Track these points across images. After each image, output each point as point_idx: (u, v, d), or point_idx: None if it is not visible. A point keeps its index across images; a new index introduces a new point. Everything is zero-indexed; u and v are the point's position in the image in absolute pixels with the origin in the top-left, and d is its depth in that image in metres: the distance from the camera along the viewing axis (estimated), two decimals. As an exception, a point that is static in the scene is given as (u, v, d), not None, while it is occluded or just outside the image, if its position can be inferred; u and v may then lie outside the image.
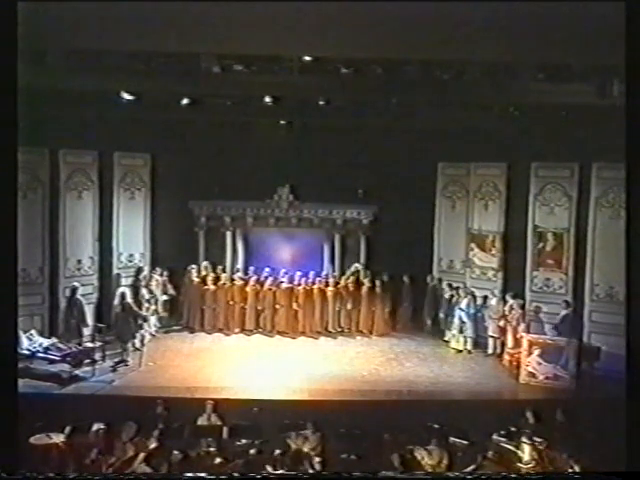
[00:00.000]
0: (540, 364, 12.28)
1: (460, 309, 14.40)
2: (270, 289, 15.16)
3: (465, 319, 14.29)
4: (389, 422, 10.40)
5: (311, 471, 9.34)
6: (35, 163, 13.37)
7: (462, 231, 15.34)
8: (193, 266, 15.38)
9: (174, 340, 14.72)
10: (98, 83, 10.69)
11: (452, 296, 14.84)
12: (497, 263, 14.78)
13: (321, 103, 12.16)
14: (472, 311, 14.33)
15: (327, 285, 15.31)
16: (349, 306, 15.24)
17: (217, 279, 15.39)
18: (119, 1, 7.15)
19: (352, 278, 15.50)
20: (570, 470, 8.98)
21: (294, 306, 15.13)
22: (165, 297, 15.23)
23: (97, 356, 12.44)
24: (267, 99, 11.69)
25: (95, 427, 10.00)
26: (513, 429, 10.36)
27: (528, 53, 8.60)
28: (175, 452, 9.51)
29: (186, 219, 15.86)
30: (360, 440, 10.02)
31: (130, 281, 14.96)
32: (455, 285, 15.07)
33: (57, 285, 14.00)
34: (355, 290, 15.31)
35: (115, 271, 15.03)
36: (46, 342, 12.46)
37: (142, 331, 13.64)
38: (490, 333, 14.08)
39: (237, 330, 15.20)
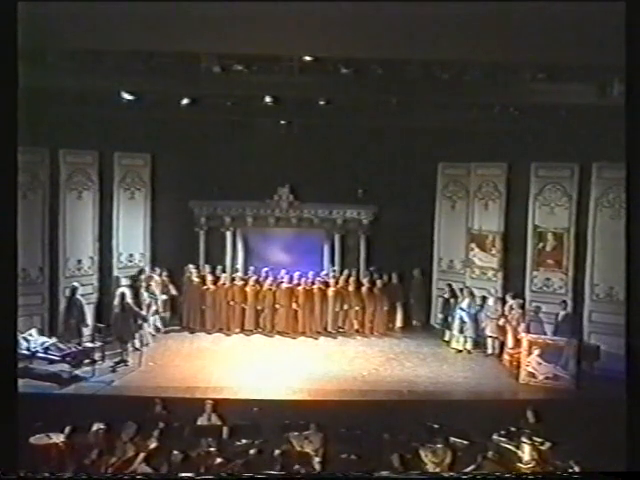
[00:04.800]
0: (540, 364, 12.28)
1: (461, 309, 14.40)
2: (270, 289, 15.16)
3: (466, 319, 14.29)
4: (389, 422, 10.42)
5: (311, 471, 9.35)
6: (35, 163, 13.37)
7: (462, 231, 15.35)
8: (191, 266, 15.41)
9: (174, 340, 14.73)
10: (98, 83, 10.70)
11: (452, 296, 14.84)
12: (497, 263, 14.79)
13: (321, 103, 12.18)
14: (473, 311, 14.34)
15: (327, 285, 15.31)
16: (348, 306, 15.24)
17: (217, 279, 15.41)
18: (119, 1, 7.15)
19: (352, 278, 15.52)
20: (570, 470, 8.99)
21: (294, 306, 15.13)
22: (165, 297, 15.25)
23: (97, 356, 12.44)
24: (267, 99, 11.70)
25: (95, 427, 10.01)
26: (513, 429, 10.37)
27: (528, 53, 8.58)
28: (175, 452, 9.52)
29: (186, 219, 15.86)
30: (360, 440, 10.03)
31: (130, 281, 14.94)
32: (455, 285, 15.08)
33: (57, 285, 14.01)
34: (355, 290, 15.31)
35: (115, 271, 15.03)
36: (46, 342, 12.45)
37: (142, 331, 13.66)
38: (489, 333, 14.07)
39: (237, 330, 15.21)
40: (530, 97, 11.34)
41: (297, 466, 9.37)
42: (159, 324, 15.02)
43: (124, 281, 14.82)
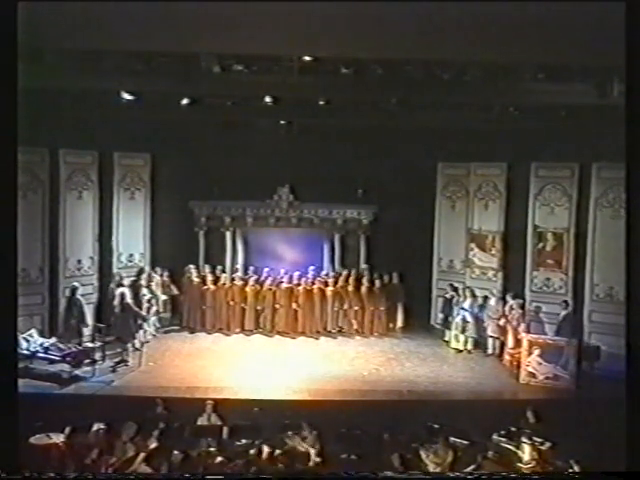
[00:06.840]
0: (540, 364, 12.28)
1: (463, 309, 14.40)
2: (270, 289, 15.17)
3: (469, 319, 14.29)
4: (389, 422, 10.40)
5: (311, 471, 9.35)
6: (35, 163, 13.38)
7: (462, 231, 15.34)
8: (191, 266, 15.41)
9: (174, 340, 14.73)
10: (98, 83, 10.69)
11: (453, 296, 14.84)
12: (497, 263, 14.78)
13: (321, 103, 12.16)
14: (476, 311, 14.34)
15: (327, 285, 15.31)
16: (348, 306, 15.24)
17: (217, 279, 15.41)
18: (119, 1, 7.15)
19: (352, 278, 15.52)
20: (570, 470, 8.99)
21: (294, 306, 15.14)
22: (165, 297, 15.26)
23: (97, 356, 12.44)
24: (267, 99, 11.69)
25: (95, 427, 10.00)
26: (513, 429, 10.36)
27: (528, 53, 8.59)
28: (175, 452, 9.50)
29: (186, 219, 15.87)
30: (360, 440, 10.03)
31: (130, 281, 14.92)
32: (456, 285, 15.07)
33: (57, 285, 14.00)
34: (355, 290, 15.31)
35: (115, 271, 15.01)
36: (46, 342, 12.45)
37: (142, 331, 13.65)
38: (489, 333, 14.08)
39: (237, 330, 15.22)
40: (530, 97, 11.34)
41: (297, 466, 9.37)
42: (158, 324, 15.03)
43: (124, 281, 14.82)
